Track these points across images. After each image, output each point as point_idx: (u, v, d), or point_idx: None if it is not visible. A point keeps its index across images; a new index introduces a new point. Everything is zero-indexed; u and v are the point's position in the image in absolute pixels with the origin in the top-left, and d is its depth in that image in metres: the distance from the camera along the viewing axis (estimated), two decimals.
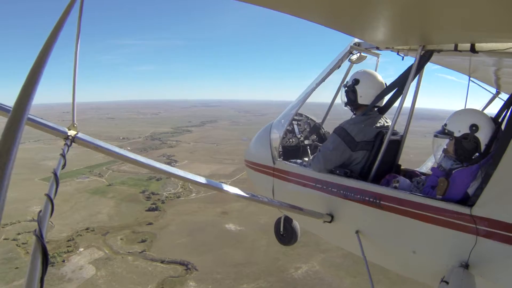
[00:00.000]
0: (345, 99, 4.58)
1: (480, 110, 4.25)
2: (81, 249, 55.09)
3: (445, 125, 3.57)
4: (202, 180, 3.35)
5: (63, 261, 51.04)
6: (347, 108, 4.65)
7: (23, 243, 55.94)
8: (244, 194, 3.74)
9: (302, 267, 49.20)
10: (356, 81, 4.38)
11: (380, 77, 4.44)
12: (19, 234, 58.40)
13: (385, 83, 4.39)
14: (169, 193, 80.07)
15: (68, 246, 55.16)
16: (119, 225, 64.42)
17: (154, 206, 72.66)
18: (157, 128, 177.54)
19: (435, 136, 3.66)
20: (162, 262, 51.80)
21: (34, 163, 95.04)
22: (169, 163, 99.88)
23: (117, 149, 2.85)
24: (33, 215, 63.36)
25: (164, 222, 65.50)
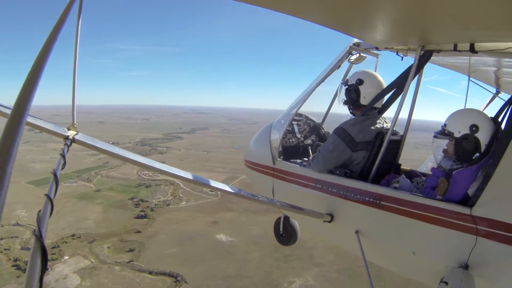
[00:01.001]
0: (345, 98, 4.62)
1: (480, 109, 4.18)
2: (66, 257, 52.88)
3: (445, 125, 3.56)
4: (202, 180, 3.42)
5: (47, 269, 48.74)
6: (345, 107, 4.69)
7: (5, 249, 53.68)
8: (244, 194, 3.76)
9: (296, 281, 47.70)
10: (360, 81, 4.41)
11: (381, 78, 4.47)
12: (1, 239, 56.15)
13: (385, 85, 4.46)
14: (159, 201, 77.94)
15: (52, 254, 52.67)
16: (107, 232, 62.36)
17: (143, 213, 70.56)
18: (147, 134, 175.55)
19: (435, 136, 3.65)
20: (150, 273, 49.78)
21: (22, 165, 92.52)
22: None
23: (116, 150, 2.90)
24: (18, 219, 61.73)
25: (153, 231, 63.60)
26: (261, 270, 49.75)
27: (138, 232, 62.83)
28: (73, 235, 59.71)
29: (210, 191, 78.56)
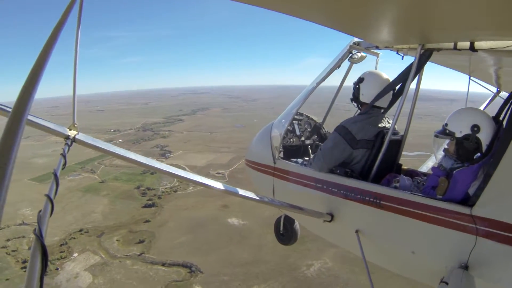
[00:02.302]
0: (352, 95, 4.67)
1: (481, 109, 3.92)
2: (76, 254, 51.48)
3: (446, 125, 3.52)
4: (201, 180, 3.35)
5: (57, 269, 47.38)
6: (354, 104, 4.66)
7: (13, 251, 52.23)
8: (244, 194, 3.72)
9: (314, 264, 46.42)
10: (361, 79, 4.45)
11: (385, 77, 4.38)
12: (8, 240, 54.71)
13: None
14: (165, 188, 76.68)
15: (61, 252, 51.39)
16: (115, 224, 61.09)
17: (150, 202, 69.45)
18: (148, 119, 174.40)
19: (436, 136, 3.61)
20: (163, 265, 48.44)
21: (23, 161, 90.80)
22: (163, 154, 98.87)
23: (117, 149, 2.88)
24: (23, 218, 60.39)
25: (162, 219, 62.31)
26: (277, 254, 48.05)
27: (147, 221, 61.57)
28: (80, 230, 58.41)
29: (216, 173, 77.49)
